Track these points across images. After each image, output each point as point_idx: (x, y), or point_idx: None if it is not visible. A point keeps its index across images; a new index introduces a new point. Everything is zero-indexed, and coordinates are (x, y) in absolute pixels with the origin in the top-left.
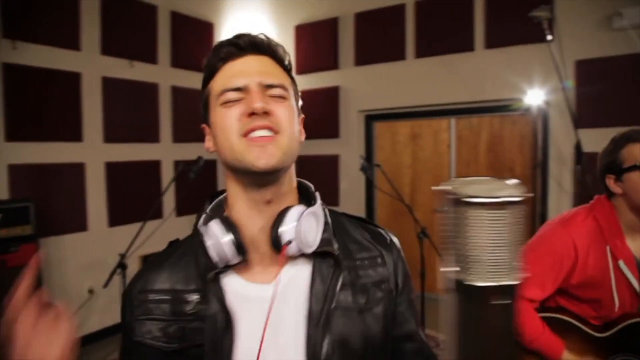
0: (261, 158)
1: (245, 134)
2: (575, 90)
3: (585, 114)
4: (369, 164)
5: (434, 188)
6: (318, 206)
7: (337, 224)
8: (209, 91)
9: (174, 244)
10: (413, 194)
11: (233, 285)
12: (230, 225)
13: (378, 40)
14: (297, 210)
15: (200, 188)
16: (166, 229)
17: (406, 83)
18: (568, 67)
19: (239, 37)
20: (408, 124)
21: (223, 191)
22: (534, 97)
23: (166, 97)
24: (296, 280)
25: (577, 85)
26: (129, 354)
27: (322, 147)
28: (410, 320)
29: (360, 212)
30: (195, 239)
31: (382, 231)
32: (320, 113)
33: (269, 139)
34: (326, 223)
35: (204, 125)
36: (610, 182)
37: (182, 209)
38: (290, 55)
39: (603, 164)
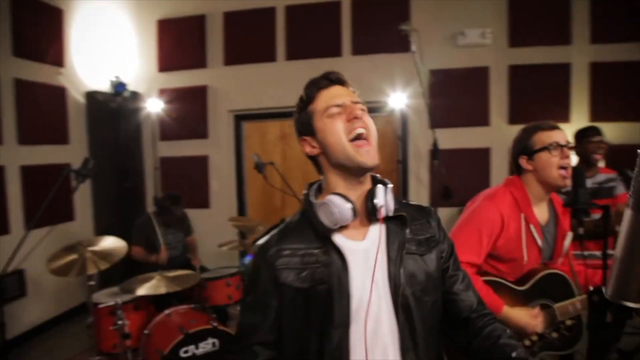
0: (369, 159)
1: (349, 132)
2: (430, 95)
3: (439, 116)
4: (262, 162)
5: None
6: (390, 186)
7: (397, 201)
8: (313, 110)
9: (284, 222)
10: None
11: (340, 241)
12: (347, 199)
13: (248, 40)
14: (381, 188)
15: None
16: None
17: (276, 84)
18: (423, 76)
19: (328, 74)
20: (278, 124)
21: (313, 183)
22: (396, 100)
23: (8, 91)
24: (378, 236)
25: (431, 91)
26: (269, 295)
27: (191, 148)
28: (452, 256)
29: (232, 214)
30: (306, 215)
31: (422, 205)
32: (188, 113)
33: (367, 144)
34: (395, 198)
35: (304, 137)
36: (523, 161)
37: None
38: (152, 51)
39: (517, 148)
